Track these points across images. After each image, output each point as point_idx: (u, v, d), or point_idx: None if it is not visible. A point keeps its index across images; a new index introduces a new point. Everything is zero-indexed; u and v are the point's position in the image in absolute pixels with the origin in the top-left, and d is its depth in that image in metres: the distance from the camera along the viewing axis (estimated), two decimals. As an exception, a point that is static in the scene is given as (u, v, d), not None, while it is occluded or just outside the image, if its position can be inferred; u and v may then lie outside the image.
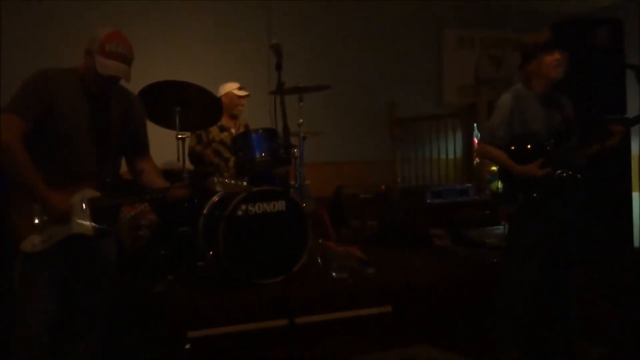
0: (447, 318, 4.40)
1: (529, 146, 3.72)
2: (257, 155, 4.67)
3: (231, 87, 5.44)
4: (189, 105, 4.52)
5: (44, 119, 2.82)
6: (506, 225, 5.45)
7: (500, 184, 7.44)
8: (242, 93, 5.46)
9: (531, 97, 3.74)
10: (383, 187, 6.39)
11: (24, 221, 2.82)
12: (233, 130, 5.43)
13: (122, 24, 6.29)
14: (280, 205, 4.45)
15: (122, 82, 3.02)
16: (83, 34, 3.03)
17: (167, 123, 4.57)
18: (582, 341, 3.87)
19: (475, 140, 7.68)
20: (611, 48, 5.21)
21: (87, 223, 2.93)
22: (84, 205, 2.92)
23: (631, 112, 5.08)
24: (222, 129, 5.39)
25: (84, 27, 6.23)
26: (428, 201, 6.37)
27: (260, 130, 4.74)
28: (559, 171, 3.61)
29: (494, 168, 7.53)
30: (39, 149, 2.83)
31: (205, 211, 4.59)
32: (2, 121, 2.77)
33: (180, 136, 4.56)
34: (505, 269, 3.91)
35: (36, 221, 2.83)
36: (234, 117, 5.49)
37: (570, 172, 3.64)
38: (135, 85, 5.57)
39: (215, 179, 3.09)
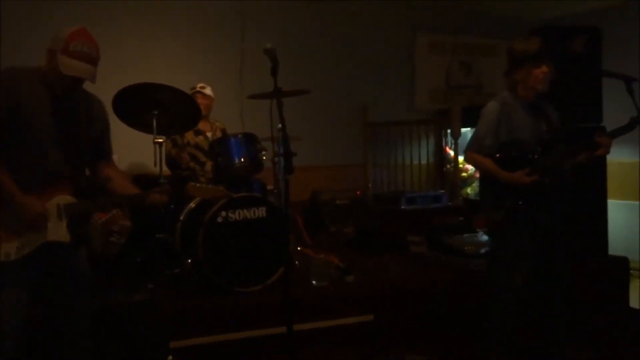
0: (431, 326, 4.39)
1: (514, 154, 3.71)
2: (236, 161, 4.60)
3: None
4: (166, 109, 4.40)
5: (10, 118, 2.72)
6: (482, 233, 5.50)
7: (470, 190, 7.55)
8: (207, 92, 5.33)
9: (517, 105, 3.75)
10: (359, 192, 6.34)
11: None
12: (209, 134, 5.32)
13: (94, 24, 6.25)
14: (260, 211, 4.37)
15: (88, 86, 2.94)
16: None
17: (144, 127, 4.44)
18: (570, 346, 3.87)
19: (447, 147, 7.69)
20: (588, 56, 5.24)
21: (64, 230, 2.85)
22: (59, 211, 2.83)
23: (607, 121, 5.12)
24: (198, 132, 5.27)
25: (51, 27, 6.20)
26: (402, 207, 6.33)
27: (239, 135, 4.67)
28: (545, 179, 3.61)
29: (464, 174, 7.57)
30: (5, 152, 2.74)
31: (182, 217, 4.49)
32: None
33: (157, 140, 4.43)
34: (493, 276, 3.89)
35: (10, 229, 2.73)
36: (204, 118, 5.36)
37: (556, 180, 3.64)
38: (109, 86, 5.49)
39: (193, 184, 3.02)
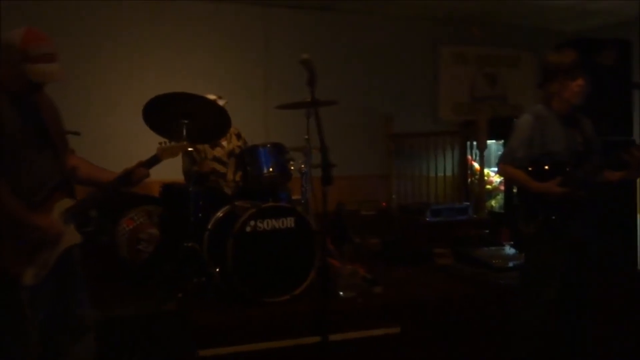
0: (458, 339, 4.34)
1: (546, 167, 3.68)
2: (265, 170, 4.59)
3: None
4: (196, 118, 4.40)
5: None
6: (509, 246, 5.46)
7: (494, 203, 7.50)
8: (220, 103, 5.31)
9: (552, 117, 3.71)
10: (384, 204, 6.32)
11: (12, 257, 2.62)
12: (225, 143, 5.30)
13: (118, 33, 6.33)
14: (289, 221, 4.36)
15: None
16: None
17: (173, 136, 4.43)
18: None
19: (470, 158, 7.65)
20: (618, 68, 5.20)
21: (74, 233, 2.86)
22: (65, 217, 2.81)
23: (637, 134, 5.08)
24: (214, 144, 5.26)
25: (81, 30, 6.28)
26: (427, 219, 6.29)
27: (268, 145, 4.67)
28: (578, 192, 3.58)
29: (489, 186, 7.51)
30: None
31: (210, 227, 4.48)
32: None
33: (187, 149, 4.42)
34: (523, 289, 3.85)
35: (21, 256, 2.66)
36: None
37: (589, 193, 3.61)
38: (132, 94, 5.53)
39: (161, 146, 3.11)
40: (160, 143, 3.13)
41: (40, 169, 2.76)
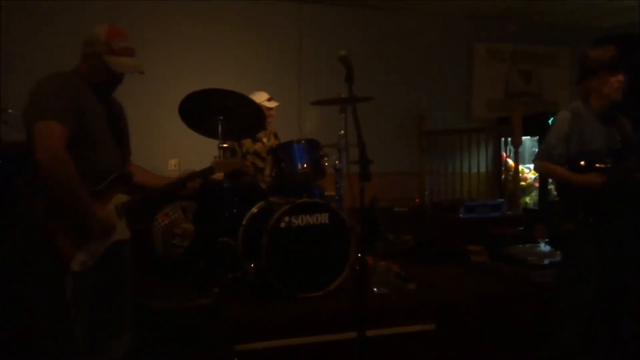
0: (493, 337, 4.31)
1: (582, 162, 3.64)
2: (299, 167, 4.61)
3: (261, 99, 5.28)
4: (232, 115, 4.43)
5: (76, 123, 2.71)
6: (544, 243, 5.40)
7: (529, 199, 7.44)
8: (272, 105, 5.37)
9: (590, 115, 3.67)
10: (417, 200, 6.29)
11: (66, 239, 2.69)
12: (265, 140, 5.38)
13: (154, 29, 6.38)
14: (323, 218, 4.37)
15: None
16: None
17: (209, 132, 4.48)
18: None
19: (504, 155, 7.60)
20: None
21: (124, 228, 2.95)
22: (119, 211, 2.91)
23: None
24: (255, 140, 5.32)
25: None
26: (461, 216, 6.25)
27: (302, 141, 4.68)
28: (621, 182, 3.53)
29: (523, 183, 7.45)
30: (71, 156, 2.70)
31: (244, 222, 4.50)
32: (45, 129, 2.63)
33: (222, 145, 4.46)
34: (560, 288, 3.81)
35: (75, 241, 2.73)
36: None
37: (628, 191, 3.57)
38: (169, 90, 5.58)
39: (216, 160, 3.28)
40: (215, 157, 3.22)
41: (108, 161, 2.88)
